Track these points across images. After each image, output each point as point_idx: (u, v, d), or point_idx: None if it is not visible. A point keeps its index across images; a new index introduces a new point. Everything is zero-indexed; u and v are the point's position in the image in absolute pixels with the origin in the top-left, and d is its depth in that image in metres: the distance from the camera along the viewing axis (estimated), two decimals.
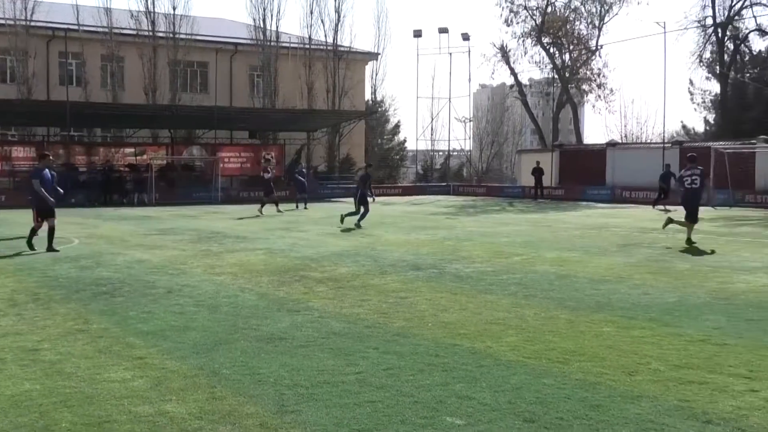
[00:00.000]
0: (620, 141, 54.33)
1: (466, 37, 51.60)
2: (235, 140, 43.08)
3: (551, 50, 51.65)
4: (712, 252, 14.14)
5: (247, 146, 42.62)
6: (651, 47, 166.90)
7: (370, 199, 21.20)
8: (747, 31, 50.39)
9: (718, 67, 49.88)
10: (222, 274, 11.48)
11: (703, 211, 18.43)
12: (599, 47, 52.00)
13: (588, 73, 52.85)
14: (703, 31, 50.43)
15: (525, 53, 51.97)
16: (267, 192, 27.92)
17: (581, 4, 51.26)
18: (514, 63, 52.39)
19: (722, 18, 49.27)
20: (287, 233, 18.68)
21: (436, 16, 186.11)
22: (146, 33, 43.25)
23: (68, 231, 18.03)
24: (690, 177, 15.68)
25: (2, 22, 39.02)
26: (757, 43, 65.18)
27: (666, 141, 40.03)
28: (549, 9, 50.86)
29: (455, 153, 63.51)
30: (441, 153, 62.70)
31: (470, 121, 60.44)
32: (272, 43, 46.25)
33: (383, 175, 53.69)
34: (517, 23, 51.05)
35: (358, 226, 19.81)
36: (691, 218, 15.66)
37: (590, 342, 6.91)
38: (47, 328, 7.54)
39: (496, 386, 5.51)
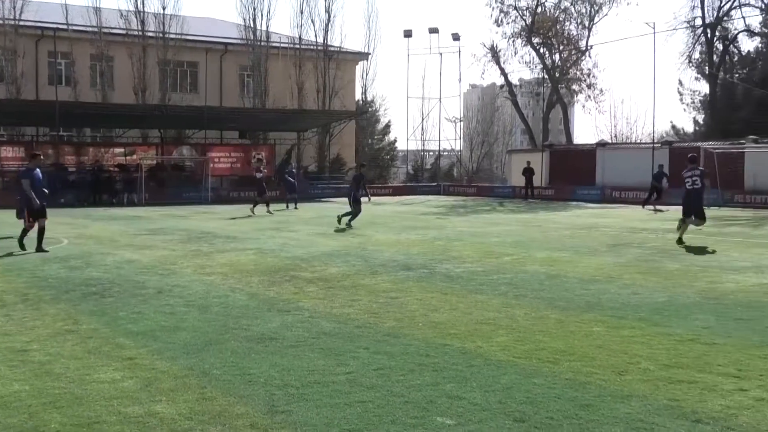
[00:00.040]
0: (610, 141, 54.51)
1: (456, 37, 51.64)
2: (225, 140, 42.97)
3: (541, 50, 51.78)
4: (702, 252, 14.21)
5: (238, 146, 42.54)
6: (640, 48, 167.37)
7: (365, 200, 21.20)
8: (736, 31, 50.75)
9: (707, 68, 50.10)
10: (212, 274, 11.45)
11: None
12: (589, 47, 52.24)
13: (578, 73, 53.03)
14: (692, 31, 50.72)
15: (515, 53, 52.21)
16: (260, 192, 27.92)
17: (571, 4, 51.46)
18: (504, 63, 52.60)
19: (711, 18, 49.54)
20: (278, 233, 18.65)
21: (426, 16, 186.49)
22: (136, 32, 43.10)
23: (58, 231, 17.95)
24: (690, 177, 15.78)
25: None
26: (746, 44, 65.40)
27: (656, 141, 40.23)
28: (539, 9, 50.98)
29: (446, 153, 63.54)
30: (431, 153, 62.70)
31: (460, 121, 60.52)
32: (262, 43, 46.18)
33: (374, 175, 53.56)
34: (508, 23, 51.23)
35: (348, 226, 19.84)
36: (699, 217, 15.80)
37: (580, 342, 6.93)
38: (36, 329, 7.51)
39: (487, 386, 5.52)
